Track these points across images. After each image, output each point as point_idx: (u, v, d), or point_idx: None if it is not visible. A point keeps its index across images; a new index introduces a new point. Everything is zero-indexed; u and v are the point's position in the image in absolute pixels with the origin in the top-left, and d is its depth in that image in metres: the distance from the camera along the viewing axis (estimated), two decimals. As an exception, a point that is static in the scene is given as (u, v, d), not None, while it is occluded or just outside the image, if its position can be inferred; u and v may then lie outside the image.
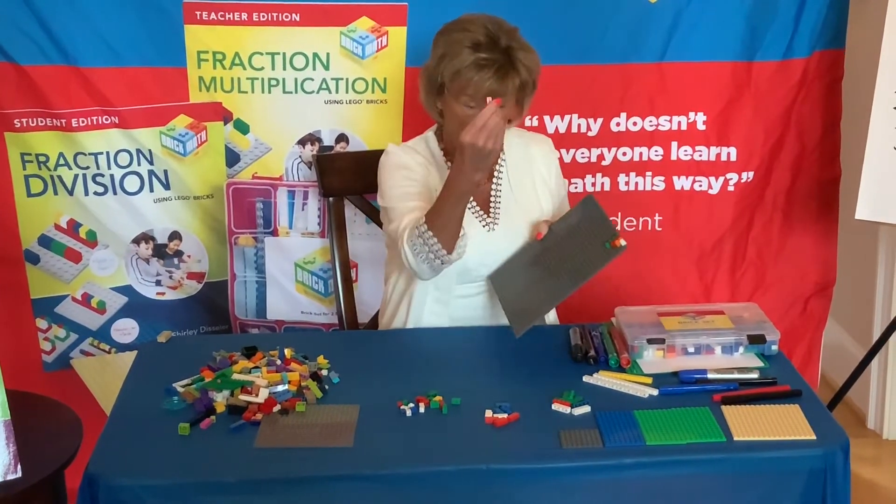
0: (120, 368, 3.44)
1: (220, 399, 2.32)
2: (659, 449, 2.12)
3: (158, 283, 3.41)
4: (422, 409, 2.29)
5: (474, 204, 2.72)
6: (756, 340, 2.49)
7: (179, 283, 3.42)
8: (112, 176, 3.27)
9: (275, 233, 3.41)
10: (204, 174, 3.34)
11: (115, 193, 3.29)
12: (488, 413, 2.25)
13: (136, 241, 3.35)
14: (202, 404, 2.30)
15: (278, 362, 2.45)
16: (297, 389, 2.35)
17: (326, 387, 2.38)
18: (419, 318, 2.75)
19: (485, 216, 2.74)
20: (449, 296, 2.75)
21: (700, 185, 3.50)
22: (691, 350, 2.49)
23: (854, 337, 4.08)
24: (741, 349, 2.49)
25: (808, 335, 3.70)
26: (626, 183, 3.49)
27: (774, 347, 2.50)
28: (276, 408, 2.28)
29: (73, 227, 3.32)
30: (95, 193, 3.29)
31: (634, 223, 3.52)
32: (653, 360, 2.48)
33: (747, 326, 2.54)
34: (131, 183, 3.29)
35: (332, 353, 2.53)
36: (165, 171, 3.31)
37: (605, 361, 2.48)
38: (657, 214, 3.52)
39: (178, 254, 3.39)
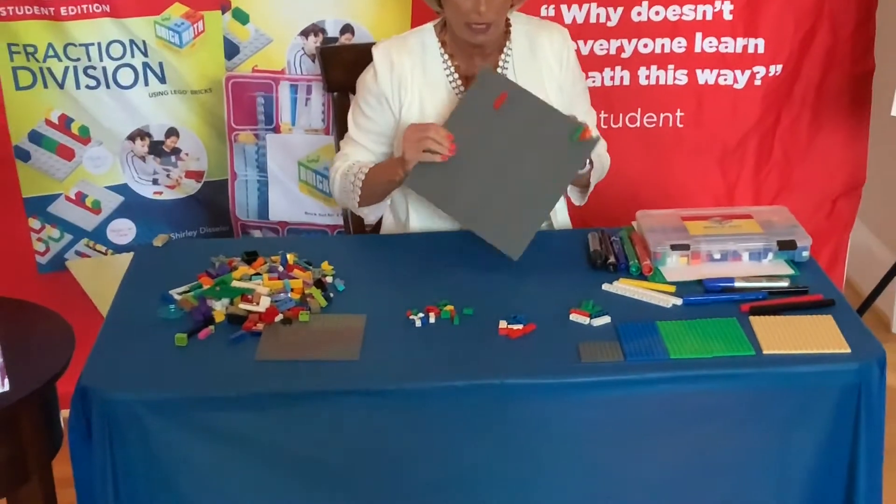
0: (117, 270, 3.34)
1: (220, 308, 2.22)
2: (683, 363, 2.03)
3: (155, 181, 3.30)
4: (432, 320, 2.19)
5: None
6: (786, 246, 2.38)
7: (177, 182, 3.31)
8: (104, 69, 3.14)
9: (277, 129, 3.29)
10: (201, 67, 3.20)
11: (108, 87, 3.16)
12: (503, 324, 2.16)
13: (132, 137, 3.24)
14: (200, 313, 2.20)
15: (280, 269, 2.35)
16: (300, 297, 2.25)
17: (331, 295, 2.29)
18: (424, 219, 2.65)
19: None
20: None
21: (725, 80, 3.36)
22: (717, 256, 2.38)
23: (882, 239, 3.97)
24: (770, 255, 2.39)
25: (834, 237, 3.59)
26: (647, 77, 3.35)
27: (806, 254, 2.39)
28: (279, 317, 2.19)
29: (64, 123, 3.20)
30: (87, 87, 3.16)
31: (655, 119, 3.39)
32: (676, 266, 2.38)
33: (777, 231, 2.43)
34: (125, 76, 3.16)
35: (337, 259, 2.43)
36: (161, 64, 3.17)
37: (625, 268, 2.38)
38: (679, 110, 3.38)
39: (176, 151, 3.27)
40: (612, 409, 2.03)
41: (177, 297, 2.28)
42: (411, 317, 2.19)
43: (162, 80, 3.19)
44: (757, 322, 2.15)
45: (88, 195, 3.29)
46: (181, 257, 2.49)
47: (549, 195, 2.45)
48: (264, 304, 2.21)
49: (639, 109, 3.37)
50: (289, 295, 2.25)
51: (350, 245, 2.72)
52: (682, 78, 3.35)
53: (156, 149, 3.25)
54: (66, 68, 3.12)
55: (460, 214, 2.47)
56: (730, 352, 2.05)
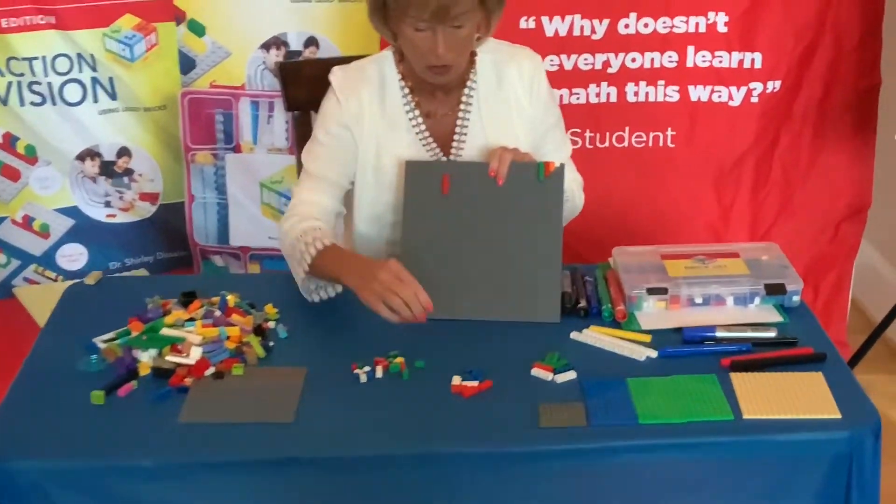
0: (68, 297, 3.19)
1: (146, 359, 2.04)
2: (653, 429, 1.83)
3: (108, 204, 3.14)
4: (379, 374, 2.00)
5: (430, 141, 2.34)
6: (775, 291, 2.18)
7: (131, 205, 3.14)
8: (50, 84, 2.97)
9: (237, 149, 3.12)
10: (155, 82, 3.04)
11: (54, 104, 3.00)
12: (456, 380, 1.97)
13: (81, 157, 3.07)
14: (123, 365, 2.02)
15: (217, 313, 2.17)
16: (236, 347, 2.07)
17: (271, 343, 2.10)
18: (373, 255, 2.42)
19: (442, 156, 2.35)
20: None
21: (719, 96, 3.17)
22: (698, 301, 2.19)
23: (886, 258, 3.76)
24: (757, 300, 2.19)
25: (838, 264, 3.40)
26: (636, 93, 3.16)
27: (796, 298, 2.19)
28: (209, 371, 2.00)
29: (9, 142, 3.04)
30: (32, 104, 3.00)
31: (644, 139, 3.20)
32: (653, 312, 2.19)
33: (765, 272, 2.23)
34: (72, 92, 3.00)
35: (284, 299, 2.25)
36: (111, 79, 3.00)
37: (597, 313, 2.19)
38: (670, 129, 3.20)
39: (128, 172, 3.10)
40: (573, 479, 1.83)
41: (101, 345, 2.10)
42: (356, 371, 2.01)
43: (112, 96, 3.02)
44: (738, 379, 1.95)
45: (36, 218, 3.12)
46: (114, 297, 2.31)
47: (550, 241, 2.22)
48: (195, 355, 2.03)
49: (627, 128, 3.18)
50: (223, 345, 2.07)
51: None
52: (673, 94, 3.16)
53: (107, 169, 3.08)
54: (10, 84, 2.97)
55: (473, 312, 2.18)
56: (706, 416, 1.86)
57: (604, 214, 3.10)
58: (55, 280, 3.17)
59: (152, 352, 2.04)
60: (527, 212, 2.21)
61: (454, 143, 2.34)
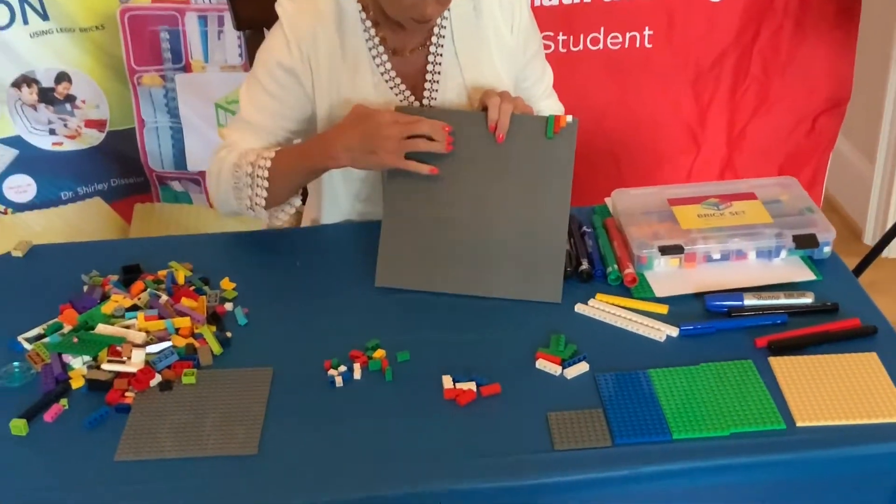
0: (21, 229, 2.58)
1: (79, 366, 1.47)
2: (690, 447, 1.30)
3: (53, 132, 2.49)
4: (357, 374, 1.45)
5: (399, 82, 1.72)
6: (806, 244, 1.63)
7: (77, 132, 2.50)
8: (-28, 6, 2.29)
9: (187, 68, 2.47)
10: (89, 0, 2.35)
11: (-21, 28, 2.32)
12: (447, 381, 1.42)
13: (17, 84, 2.41)
14: (52, 376, 1.45)
15: (164, 298, 1.58)
16: (186, 345, 1.50)
17: (229, 334, 1.53)
18: (345, 213, 1.84)
19: (414, 100, 1.74)
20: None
21: (699, -8, 2.54)
22: (716, 256, 1.64)
23: (861, 150, 3.21)
24: (783, 253, 1.64)
25: (815, 157, 2.83)
26: (611, -8, 2.51)
27: (827, 249, 1.65)
28: (155, 381, 1.44)
29: (-63, 70, 2.36)
30: (-44, 29, 2.31)
31: (620, 40, 2.57)
32: (666, 272, 1.63)
33: (790, 218, 1.67)
34: (-1, 15, 2.31)
35: (242, 269, 1.67)
36: (41, -1, 2.32)
37: (601, 275, 1.63)
38: (647, 28, 2.57)
39: (70, 98, 2.45)
40: (596, 511, 1.31)
41: (26, 345, 1.52)
42: (330, 371, 1.45)
43: (44, 16, 2.35)
44: (780, 366, 1.42)
45: (-24, 150, 2.47)
46: (46, 272, 1.72)
47: (556, 209, 1.61)
48: (137, 360, 1.46)
49: (602, 29, 2.55)
50: (170, 344, 1.49)
51: (261, 244, 1.82)
52: (650, -9, 2.52)
53: (47, 96, 2.43)
54: (-72, 8, 2.28)
55: (464, 286, 1.60)
56: (752, 424, 1.32)
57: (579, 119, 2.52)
58: (4, 213, 2.55)
59: (87, 357, 1.47)
60: (531, 174, 1.62)
61: (426, 85, 1.73)
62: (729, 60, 2.64)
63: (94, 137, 2.51)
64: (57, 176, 2.54)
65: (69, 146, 2.51)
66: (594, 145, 2.61)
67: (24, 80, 2.39)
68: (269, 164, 1.65)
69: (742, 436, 1.31)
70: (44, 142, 2.49)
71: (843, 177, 3.20)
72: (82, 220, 2.60)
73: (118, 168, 2.57)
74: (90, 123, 2.48)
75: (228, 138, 1.73)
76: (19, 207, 2.55)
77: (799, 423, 1.32)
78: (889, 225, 3.17)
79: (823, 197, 3.13)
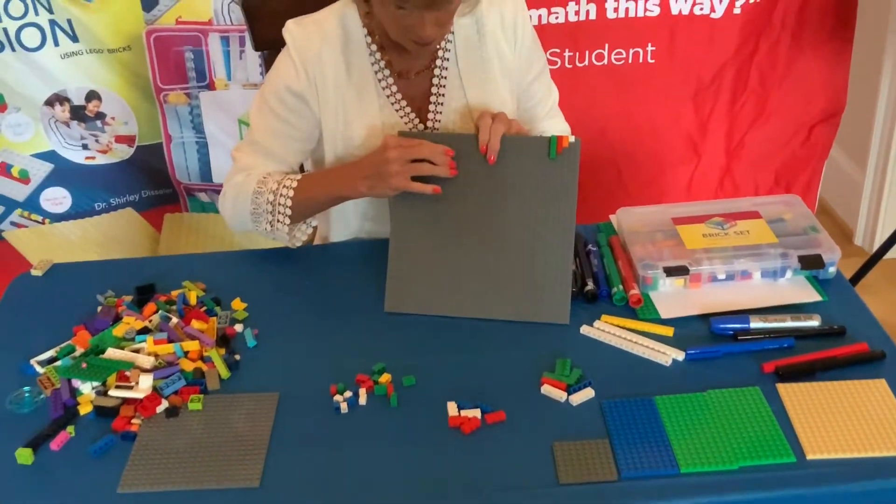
0: (59, 238, 2.44)
1: (88, 391, 1.32)
2: (698, 482, 1.14)
3: (85, 146, 2.35)
4: (362, 399, 1.29)
5: (405, 105, 1.56)
6: (811, 264, 1.46)
7: (108, 147, 2.35)
8: (6, 29, 2.15)
9: (211, 86, 2.31)
10: (116, 22, 2.20)
11: (13, 50, 2.17)
12: (452, 408, 1.26)
13: (49, 102, 2.26)
14: (60, 402, 1.30)
15: (174, 320, 1.43)
16: (194, 369, 1.35)
17: (237, 357, 1.38)
18: (353, 231, 1.68)
19: (418, 122, 1.57)
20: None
21: (701, 9, 2.35)
22: (721, 276, 1.47)
23: (853, 159, 3.01)
24: (788, 273, 1.47)
25: (810, 165, 2.64)
26: (616, 9, 2.33)
27: (832, 269, 1.47)
28: (161, 407, 1.29)
29: (-26, 90, 2.22)
30: (-9, 51, 2.17)
31: (623, 55, 2.39)
32: (671, 292, 1.46)
33: (795, 238, 1.50)
34: (30, 37, 2.17)
35: (253, 288, 1.52)
36: (69, 21, 2.17)
37: (606, 295, 1.47)
38: (650, 44, 2.38)
39: (100, 116, 2.30)
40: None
41: (38, 369, 1.37)
42: (336, 397, 1.29)
43: (73, 38, 2.20)
44: (788, 393, 1.25)
45: (14, 164, 2.34)
46: (64, 291, 1.57)
47: (561, 230, 1.44)
48: (144, 386, 1.31)
49: (606, 45, 2.37)
50: (178, 369, 1.34)
51: (273, 261, 1.62)
52: (653, 9, 2.33)
53: (78, 114, 2.28)
54: (-36, 31, 2.13)
55: (471, 310, 1.44)
56: (761, 457, 1.16)
57: (580, 133, 2.33)
58: (42, 223, 2.41)
59: (96, 383, 1.32)
60: (535, 195, 1.44)
61: (430, 107, 1.56)
62: (728, 74, 2.45)
63: (124, 152, 2.36)
64: (90, 188, 2.39)
65: (101, 160, 2.36)
66: (598, 155, 2.44)
67: (57, 99, 2.25)
68: (291, 192, 1.49)
69: (751, 469, 1.15)
70: (77, 156, 2.35)
71: (835, 181, 3.01)
72: (116, 230, 2.46)
73: (148, 180, 2.42)
74: (120, 139, 2.34)
75: (241, 161, 1.56)
76: (56, 218, 2.41)
77: (809, 456, 1.16)
78: (879, 227, 3.00)
79: (822, 207, 2.96)
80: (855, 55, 2.52)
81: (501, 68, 1.57)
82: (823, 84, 2.53)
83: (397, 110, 1.54)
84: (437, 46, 1.52)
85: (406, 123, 1.54)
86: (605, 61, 2.38)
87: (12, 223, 2.40)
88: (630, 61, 2.39)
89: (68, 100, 2.25)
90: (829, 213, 3.11)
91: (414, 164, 1.39)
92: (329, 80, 1.50)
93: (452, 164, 1.41)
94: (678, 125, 2.51)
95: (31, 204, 2.38)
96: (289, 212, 1.50)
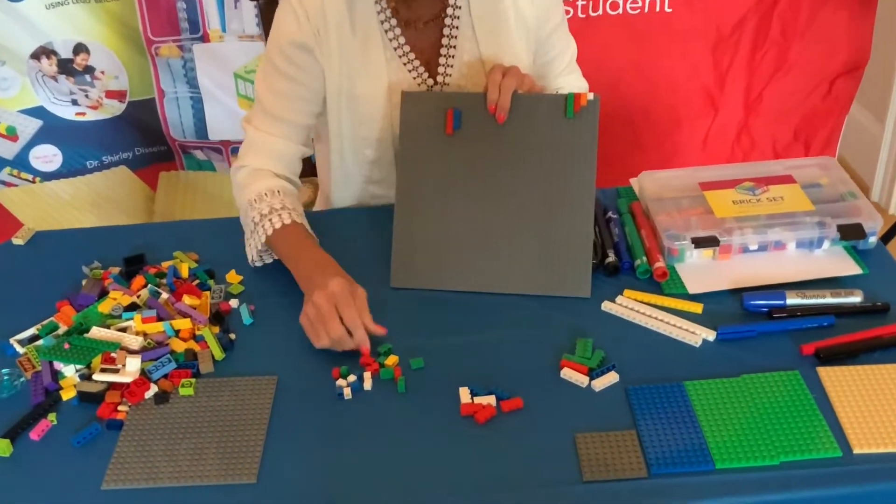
0: (51, 197, 2.31)
1: (71, 374, 1.20)
2: (734, 479, 1.03)
3: (75, 102, 2.20)
4: (367, 384, 1.18)
5: (412, 57, 1.41)
6: (851, 234, 1.33)
7: (99, 103, 2.21)
8: (-14, -22, 1.99)
9: (205, 38, 2.16)
10: (103, -31, 2.04)
11: (-5, -1, 2.02)
12: (464, 394, 1.15)
13: (36, 55, 2.11)
14: (41, 386, 1.19)
15: (164, 296, 1.31)
16: (185, 350, 1.23)
17: (232, 336, 1.26)
18: (357, 194, 1.54)
19: (427, 76, 1.42)
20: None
21: (722, -46, 2.19)
22: (753, 248, 1.34)
23: (872, 113, 2.86)
24: (826, 244, 1.34)
25: (831, 120, 2.50)
26: (632, -45, 2.17)
27: (873, 239, 1.35)
28: (150, 392, 1.17)
29: (-44, 42, 2.07)
30: (-29, 1, 2.02)
31: (640, 4, 2.24)
32: (698, 265, 1.34)
33: (832, 205, 1.37)
34: (12, -14, 2.01)
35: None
36: (53, -32, 2.01)
37: (629, 267, 1.34)
38: (668, -8, 2.23)
39: (90, 70, 2.15)
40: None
41: (18, 349, 1.25)
42: (338, 381, 1.18)
43: (58, -13, 2.04)
44: (830, 378, 1.13)
45: (0, 121, 2.19)
46: (48, 261, 1.45)
47: (581, 196, 1.31)
48: (132, 368, 1.19)
49: (622, -7, 2.22)
50: (168, 350, 1.22)
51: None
52: (672, -45, 2.17)
53: (66, 68, 2.13)
54: (-58, -21, 1.98)
55: (485, 284, 1.31)
56: (804, 452, 1.05)
57: (594, 86, 2.19)
58: (32, 181, 2.28)
59: (80, 366, 1.21)
60: (552, 157, 1.31)
61: (441, 60, 1.41)
62: (749, 24, 2.30)
63: (115, 108, 2.22)
64: (81, 145, 2.25)
65: (92, 116, 2.22)
66: (611, 110, 2.29)
67: (43, 52, 2.10)
68: (265, 236, 1.33)
69: (793, 465, 1.03)
70: (67, 112, 2.21)
71: (852, 136, 2.87)
72: (109, 189, 2.32)
73: (141, 137, 2.28)
74: (111, 94, 2.19)
75: (251, 137, 1.41)
76: (47, 176, 2.27)
77: (856, 450, 1.04)
78: (897, 183, 2.87)
79: (842, 163, 2.82)
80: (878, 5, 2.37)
81: (517, 19, 1.42)
82: (847, 35, 2.37)
83: (405, 63, 1.40)
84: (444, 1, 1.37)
85: (415, 78, 1.40)
86: (620, 10, 2.23)
87: (2, 182, 2.27)
88: (646, 10, 2.24)
89: (55, 53, 2.10)
90: (846, 167, 2.97)
91: (329, 319, 1.19)
92: (332, 32, 1.35)
93: (493, 109, 1.30)
94: (696, 78, 2.36)
95: (21, 162, 2.25)
96: (260, 244, 1.34)
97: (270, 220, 1.32)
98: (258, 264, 1.39)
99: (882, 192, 2.89)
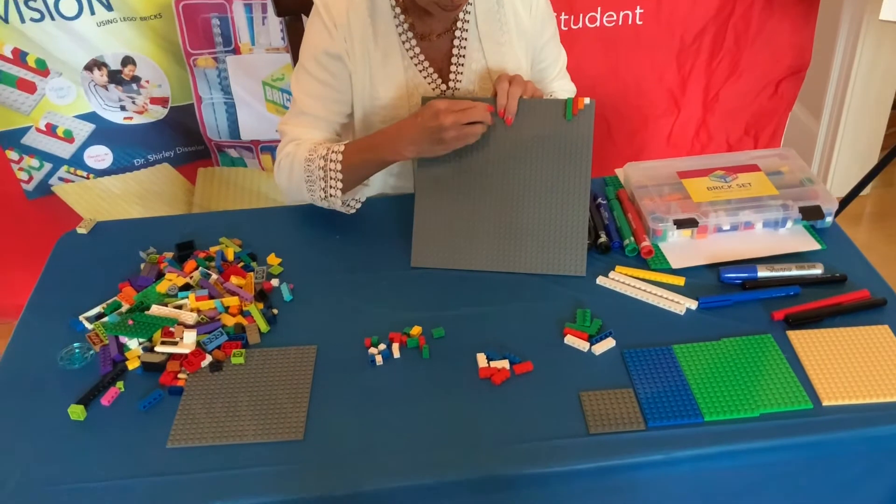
0: (102, 191, 2.27)
1: (135, 346, 1.17)
2: (721, 430, 1.01)
3: (123, 108, 2.14)
4: (396, 353, 1.15)
5: (427, 66, 1.37)
6: (812, 215, 1.30)
7: (144, 108, 2.15)
8: (45, 0, 1.92)
9: (236, 50, 2.10)
10: (147, -9, 1.99)
11: (52, 19, 1.96)
12: (482, 359, 1.12)
13: (88, 67, 2.05)
14: (109, 358, 1.15)
15: (214, 277, 1.28)
16: (235, 324, 1.19)
17: (275, 311, 1.23)
18: (378, 187, 1.50)
19: (441, 82, 1.39)
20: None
21: (686, -26, 2.15)
22: (726, 227, 1.32)
23: (809, 110, 2.84)
24: (789, 224, 1.32)
25: (776, 117, 2.47)
26: (608, -25, 2.13)
27: (830, 219, 1.32)
28: (206, 362, 1.14)
29: (19, 57, 2.00)
30: (32, 20, 1.95)
31: (614, 18, 2.20)
32: (678, 243, 1.31)
33: (794, 190, 1.35)
34: (68, 6, 1.95)
35: (287, 241, 1.36)
36: (103, -9, 1.95)
37: (618, 247, 1.32)
38: (639, 7, 2.18)
39: (136, 79, 2.09)
40: (627, 495, 1.02)
41: (87, 324, 1.22)
42: (370, 349, 1.15)
43: (108, 7, 1.98)
44: (798, 340, 1.12)
45: (58, 125, 2.13)
46: (108, 248, 1.40)
47: (577, 187, 1.28)
48: (188, 341, 1.16)
49: (598, 9, 2.17)
50: (219, 324, 1.19)
51: (303, 217, 1.44)
52: (643, -26, 2.13)
53: (115, 78, 2.08)
54: (6, 2, 1.91)
55: (492, 264, 1.28)
56: (780, 405, 1.03)
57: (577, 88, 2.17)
58: (87, 178, 2.23)
59: (142, 339, 1.17)
60: (553, 154, 1.28)
61: (452, 68, 1.38)
62: (708, 34, 2.27)
63: (158, 112, 2.16)
64: (129, 145, 2.20)
65: (138, 120, 2.17)
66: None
67: (95, 64, 2.04)
68: (340, 157, 1.30)
69: (771, 416, 1.02)
70: (116, 117, 2.15)
71: (792, 131, 2.85)
72: (153, 183, 2.28)
73: (181, 138, 2.23)
74: (154, 100, 2.14)
75: (289, 133, 1.37)
76: (99, 173, 2.22)
77: (825, 403, 1.02)
78: (831, 173, 2.85)
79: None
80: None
81: (518, 31, 1.38)
82: (791, 43, 2.34)
83: (420, 71, 1.36)
84: (459, 10, 1.33)
85: (429, 84, 1.37)
86: (598, 23, 2.19)
87: (60, 178, 2.22)
88: (620, 23, 2.20)
89: (106, 65, 2.05)
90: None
91: (469, 126, 1.21)
92: (357, 43, 1.31)
93: (502, 113, 1.25)
94: (661, 82, 2.32)
95: (76, 161, 2.19)
96: (340, 175, 1.31)
97: (332, 149, 1.30)
98: (352, 211, 1.37)
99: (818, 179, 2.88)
